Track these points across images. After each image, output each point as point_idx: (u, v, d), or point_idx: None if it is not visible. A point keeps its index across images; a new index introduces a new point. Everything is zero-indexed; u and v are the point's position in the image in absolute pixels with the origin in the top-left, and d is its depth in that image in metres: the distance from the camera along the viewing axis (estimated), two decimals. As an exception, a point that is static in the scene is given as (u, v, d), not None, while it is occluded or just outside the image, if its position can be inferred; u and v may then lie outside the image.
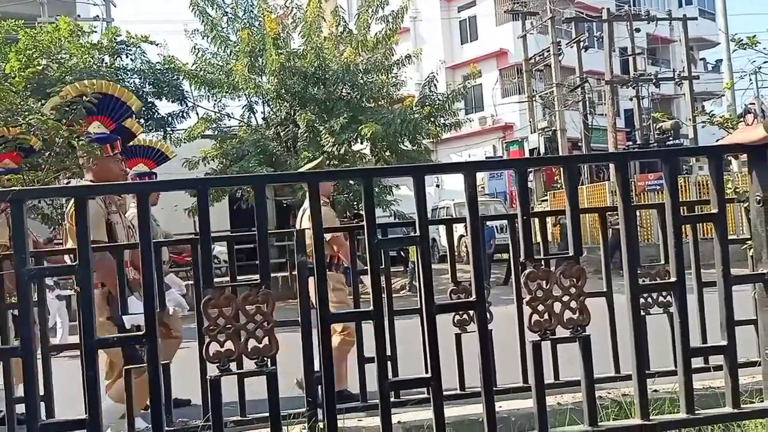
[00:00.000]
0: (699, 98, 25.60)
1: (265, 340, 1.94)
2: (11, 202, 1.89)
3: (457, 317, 3.10)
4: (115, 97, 3.55)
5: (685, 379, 2.14)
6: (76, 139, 3.13)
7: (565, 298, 2.09)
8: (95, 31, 15.50)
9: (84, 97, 3.09)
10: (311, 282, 2.12)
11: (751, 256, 2.88)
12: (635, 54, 22.63)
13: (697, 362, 2.55)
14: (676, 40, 27.74)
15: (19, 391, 4.31)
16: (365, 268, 2.21)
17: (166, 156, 5.09)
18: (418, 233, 2.06)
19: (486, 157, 24.52)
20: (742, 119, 4.34)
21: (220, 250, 9.50)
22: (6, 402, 2.55)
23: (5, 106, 3.37)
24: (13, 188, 1.98)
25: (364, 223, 2.05)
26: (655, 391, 2.78)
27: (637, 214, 4.45)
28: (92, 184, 3.19)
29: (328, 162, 13.40)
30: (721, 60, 25.43)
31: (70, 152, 3.45)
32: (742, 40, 3.60)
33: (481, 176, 19.44)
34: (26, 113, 3.59)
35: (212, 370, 1.97)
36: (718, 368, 2.66)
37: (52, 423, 1.90)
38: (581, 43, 21.29)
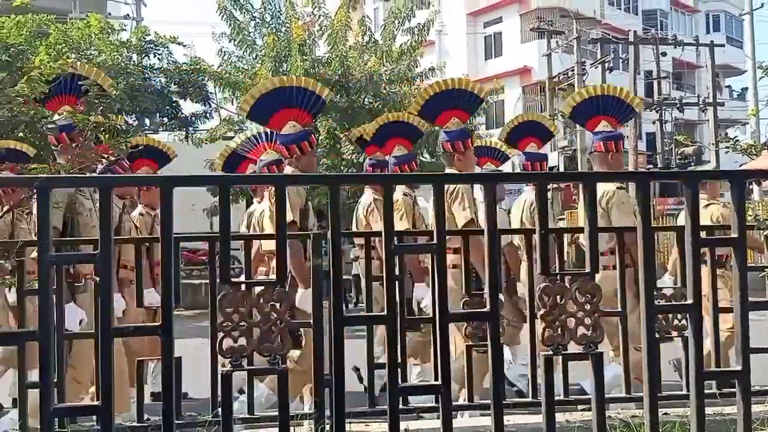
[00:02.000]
0: (723, 125, 25.41)
1: (278, 339, 1.95)
2: (37, 189, 1.92)
3: (469, 329, 3.09)
4: (303, 88, 3.71)
5: (698, 403, 2.12)
6: (103, 132, 3.17)
7: (580, 314, 2.09)
8: (125, 30, 15.74)
9: (114, 92, 3.15)
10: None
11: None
12: (660, 78, 22.52)
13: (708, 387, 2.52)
14: (702, 66, 27.55)
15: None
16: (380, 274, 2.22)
17: (168, 156, 5.15)
18: (435, 242, 2.06)
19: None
20: (766, 147, 4.32)
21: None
22: (19, 387, 2.59)
23: (34, 96, 3.42)
24: (40, 176, 2.02)
25: (382, 229, 2.06)
26: (666, 414, 2.75)
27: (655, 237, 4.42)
28: (116, 176, 3.25)
29: (347, 169, 13.47)
30: (747, 88, 25.27)
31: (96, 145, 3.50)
32: (769, 67, 3.59)
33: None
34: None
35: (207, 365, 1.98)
36: (727, 395, 2.64)
37: (65, 407, 1.93)
38: (606, 65, 21.23)
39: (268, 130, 4.67)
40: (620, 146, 4.09)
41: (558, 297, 2.10)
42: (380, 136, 4.89)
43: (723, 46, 25.80)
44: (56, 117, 3.50)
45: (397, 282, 2.19)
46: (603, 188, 3.91)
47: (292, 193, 3.37)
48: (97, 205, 3.35)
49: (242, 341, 1.94)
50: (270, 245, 3.38)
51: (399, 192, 4.43)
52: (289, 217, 3.28)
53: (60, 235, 3.36)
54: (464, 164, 4.02)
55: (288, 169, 3.77)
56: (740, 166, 3.13)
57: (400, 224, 4.25)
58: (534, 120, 5.25)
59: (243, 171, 5.10)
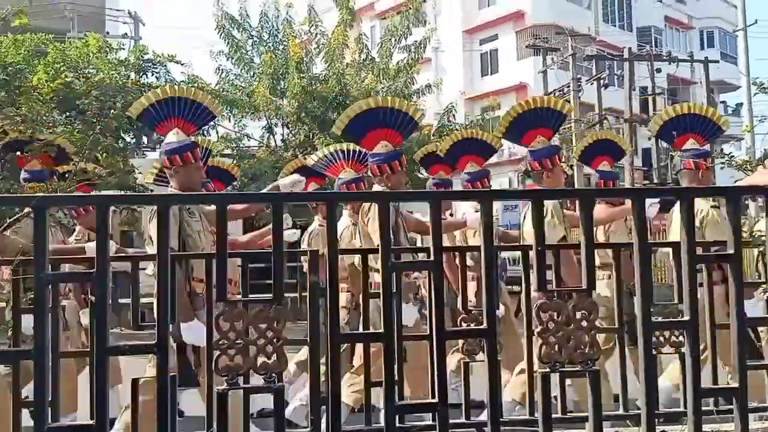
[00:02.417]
0: (718, 141, 25.51)
1: (275, 357, 1.95)
2: (34, 208, 1.92)
3: (466, 345, 3.08)
4: (397, 109, 3.89)
5: (695, 420, 2.11)
6: (101, 152, 3.19)
7: (577, 332, 2.09)
8: (123, 48, 15.81)
9: (111, 110, 3.17)
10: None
11: (766, 299, 2.86)
12: (655, 94, 22.68)
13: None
14: (696, 82, 27.76)
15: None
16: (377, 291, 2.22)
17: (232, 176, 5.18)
18: (432, 258, 2.07)
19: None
20: (761, 163, 4.34)
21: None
22: (13, 406, 2.57)
23: (31, 116, 3.44)
24: (37, 194, 2.02)
25: (380, 246, 2.07)
26: (663, 431, 2.74)
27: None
28: (113, 194, 3.25)
29: (344, 186, 13.47)
30: (742, 104, 25.42)
31: (95, 164, 3.52)
32: (763, 84, 3.61)
33: (495, 208, 19.39)
34: (50, 124, 3.68)
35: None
36: (724, 412, 2.63)
37: (59, 427, 1.92)
38: (601, 81, 21.37)
39: (346, 149, 4.86)
40: (708, 163, 4.16)
41: (555, 314, 2.10)
42: (453, 153, 4.96)
43: (717, 62, 26.03)
44: (168, 139, 3.53)
45: (393, 299, 2.19)
46: (697, 206, 3.91)
47: None
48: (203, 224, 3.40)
49: (238, 359, 1.93)
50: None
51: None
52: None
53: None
54: (553, 181, 4.12)
55: (377, 188, 3.97)
56: (735, 181, 3.15)
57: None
58: (607, 138, 5.25)
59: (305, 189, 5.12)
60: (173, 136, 3.51)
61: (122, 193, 3.93)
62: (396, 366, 2.22)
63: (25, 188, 3.56)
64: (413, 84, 15.25)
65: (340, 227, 4.84)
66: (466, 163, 4.90)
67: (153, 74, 14.33)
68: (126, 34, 20.62)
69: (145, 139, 14.75)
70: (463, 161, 4.93)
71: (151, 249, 3.28)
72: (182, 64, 14.42)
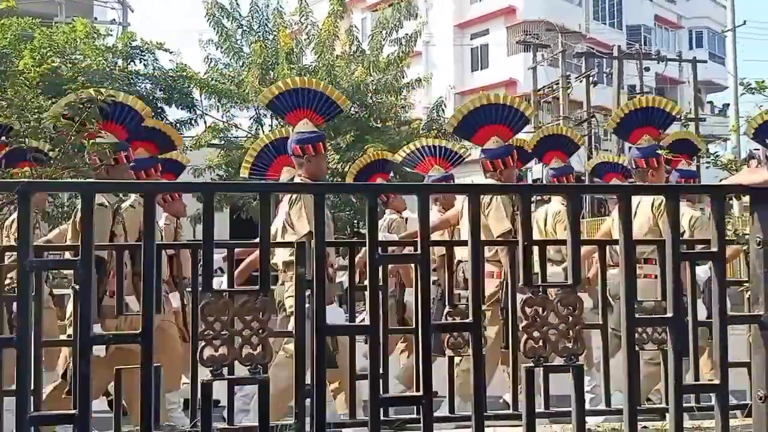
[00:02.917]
0: (704, 140, 25.71)
1: (260, 348, 1.94)
2: (18, 194, 1.90)
3: (452, 339, 3.09)
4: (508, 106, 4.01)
5: (676, 417, 2.13)
6: (87, 139, 3.16)
7: (562, 327, 2.10)
8: (111, 35, 15.65)
9: (99, 98, 3.14)
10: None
11: (748, 298, 2.89)
12: (643, 92, 22.77)
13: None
14: (684, 82, 27.96)
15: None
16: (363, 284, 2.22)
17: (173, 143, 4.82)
18: (419, 251, 2.07)
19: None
20: (746, 163, 4.38)
21: (217, 259, 9.50)
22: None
23: (17, 101, 3.40)
24: (21, 180, 2.00)
25: (366, 239, 2.06)
26: (645, 427, 2.77)
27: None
28: (99, 181, 3.21)
29: (332, 178, 13.46)
30: (729, 104, 25.62)
31: (79, 152, 3.47)
32: (750, 84, 3.64)
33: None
34: (36, 110, 3.63)
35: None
36: (705, 409, 2.66)
37: (41, 415, 1.90)
38: (590, 78, 21.46)
39: (435, 145, 5.02)
40: (509, 162, 4.14)
41: (540, 309, 2.11)
42: (540, 148, 5.03)
43: (705, 62, 26.21)
44: (298, 128, 3.75)
45: (380, 292, 2.19)
46: (691, 212, 4.18)
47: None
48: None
49: (223, 350, 1.93)
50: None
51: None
52: (306, 228, 3.41)
53: None
54: (657, 178, 4.15)
55: (489, 181, 4.07)
56: (720, 181, 3.18)
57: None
58: (559, 134, 5.27)
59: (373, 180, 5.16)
60: (303, 126, 3.70)
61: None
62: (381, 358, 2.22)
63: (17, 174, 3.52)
64: (403, 77, 15.23)
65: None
66: (552, 158, 4.96)
67: (141, 61, 14.19)
68: (114, 20, 20.41)
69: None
70: (548, 156, 5.00)
71: (290, 237, 3.44)
72: (171, 52, 14.31)
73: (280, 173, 4.41)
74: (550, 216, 4.88)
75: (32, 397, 2.05)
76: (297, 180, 3.80)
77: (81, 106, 3.14)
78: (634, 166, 4.21)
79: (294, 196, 3.54)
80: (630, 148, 4.56)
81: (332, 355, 3.02)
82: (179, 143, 4.71)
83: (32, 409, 1.94)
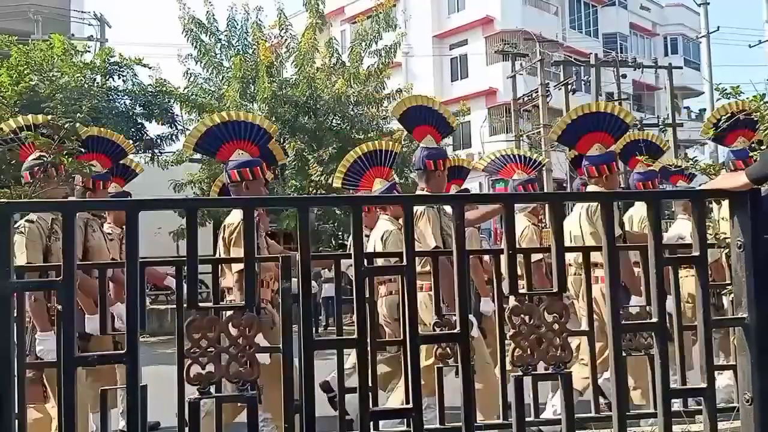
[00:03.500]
0: (682, 145, 26.07)
1: (247, 365, 1.92)
2: (-2, 214, 1.87)
3: (440, 350, 3.09)
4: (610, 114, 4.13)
5: (665, 421, 2.15)
6: (66, 157, 3.12)
7: (549, 335, 2.10)
8: (89, 51, 15.54)
9: (78, 114, 3.11)
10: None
11: (731, 300, 2.92)
12: (621, 99, 23.05)
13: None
14: (661, 88, 28.37)
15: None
16: (350, 297, 2.21)
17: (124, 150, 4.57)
18: (405, 263, 2.06)
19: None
20: (724, 167, 4.43)
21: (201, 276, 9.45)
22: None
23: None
24: (1, 201, 1.97)
25: (352, 251, 2.06)
26: (634, 432, 2.78)
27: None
28: (80, 200, 3.19)
29: (315, 191, 13.44)
30: (705, 109, 26.00)
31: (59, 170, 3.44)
32: (725, 89, 3.69)
33: (466, 212, 19.49)
34: (16, 128, 3.60)
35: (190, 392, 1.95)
36: (693, 413, 2.68)
37: (25, 441, 1.87)
38: (569, 86, 21.68)
39: (516, 154, 5.17)
40: (614, 168, 4.20)
41: (527, 317, 2.11)
42: (626, 152, 5.00)
43: (681, 68, 26.65)
44: (425, 144, 4.00)
45: (366, 304, 2.18)
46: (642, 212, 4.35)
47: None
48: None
49: (210, 367, 1.91)
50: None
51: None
52: (433, 242, 3.61)
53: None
54: (610, 186, 4.17)
55: (592, 188, 4.20)
56: (699, 185, 3.23)
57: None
58: (645, 139, 5.20)
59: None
60: (430, 142, 4.02)
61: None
62: (370, 371, 2.21)
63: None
64: (384, 89, 15.28)
65: (519, 227, 4.93)
66: (637, 163, 4.98)
67: (120, 77, 14.10)
68: (92, 36, 20.28)
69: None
70: (633, 161, 5.02)
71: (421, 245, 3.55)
72: (150, 68, 14.24)
73: (373, 184, 4.71)
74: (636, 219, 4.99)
75: (17, 421, 2.01)
76: (418, 192, 4.03)
77: (59, 125, 3.12)
78: (421, 167, 4.13)
79: (419, 210, 3.71)
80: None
81: None
82: (130, 149, 4.60)
83: (15, 434, 1.90)
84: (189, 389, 2.01)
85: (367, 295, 2.33)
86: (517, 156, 5.20)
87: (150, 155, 14.61)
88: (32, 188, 2.88)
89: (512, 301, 2.28)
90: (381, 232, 4.57)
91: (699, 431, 2.32)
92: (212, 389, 2.05)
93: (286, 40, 15.17)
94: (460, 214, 2.15)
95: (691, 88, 32.46)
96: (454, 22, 29.45)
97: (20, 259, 3.20)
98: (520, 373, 2.11)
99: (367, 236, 4.87)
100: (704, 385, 2.17)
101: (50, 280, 2.23)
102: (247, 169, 3.67)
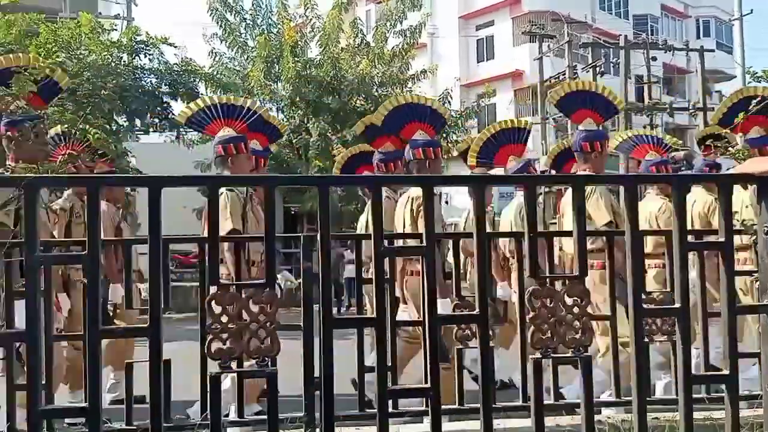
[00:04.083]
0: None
1: (267, 341, 1.95)
2: (25, 188, 1.91)
3: (459, 332, 3.10)
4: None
5: (686, 408, 2.13)
6: (92, 132, 3.16)
7: (569, 318, 2.09)
8: (116, 29, 15.65)
9: (103, 91, 3.14)
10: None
11: (757, 288, 2.88)
12: (651, 82, 22.65)
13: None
14: (692, 71, 27.74)
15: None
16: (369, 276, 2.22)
17: (280, 132, 4.88)
18: (425, 244, 2.06)
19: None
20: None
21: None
22: (7, 389, 2.56)
23: (24, 95, 3.39)
24: (28, 175, 2.00)
25: (372, 231, 2.06)
26: (656, 418, 2.76)
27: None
28: (104, 175, 3.23)
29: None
30: (737, 93, 25.40)
31: (85, 144, 3.48)
32: (757, 73, 3.60)
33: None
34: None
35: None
36: (715, 400, 2.65)
37: (52, 409, 1.91)
38: (597, 69, 21.33)
39: (649, 135, 5.20)
40: (605, 146, 4.25)
41: (547, 300, 2.10)
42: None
43: (713, 51, 25.99)
44: (584, 126, 4.18)
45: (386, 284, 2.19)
46: (706, 197, 4.49)
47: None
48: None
49: (231, 343, 1.93)
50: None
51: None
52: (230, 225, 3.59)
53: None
54: (599, 163, 4.22)
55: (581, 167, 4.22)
56: (727, 169, 3.15)
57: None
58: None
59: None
60: (589, 125, 4.16)
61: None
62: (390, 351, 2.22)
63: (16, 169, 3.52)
64: (408, 69, 15.18)
65: (656, 205, 4.86)
66: (646, 152, 5.00)
67: (146, 56, 14.20)
68: (119, 14, 20.40)
69: (138, 122, 14.63)
70: (747, 125, 5.01)
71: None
72: (175, 47, 14.30)
73: (506, 163, 4.88)
74: (517, 212, 4.81)
75: (43, 391, 2.06)
76: (580, 173, 4.10)
77: (84, 102, 3.14)
78: (578, 148, 4.24)
79: (589, 188, 3.80)
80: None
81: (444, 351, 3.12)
82: (284, 129, 4.96)
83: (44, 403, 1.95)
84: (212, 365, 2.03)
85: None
86: (650, 137, 5.19)
87: (175, 134, 14.72)
88: (59, 164, 2.92)
89: (533, 284, 2.27)
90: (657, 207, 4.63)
91: (721, 418, 2.29)
92: (233, 365, 2.07)
93: (311, 19, 15.12)
94: (481, 195, 2.14)
95: (723, 72, 31.72)
96: (480, 2, 29.05)
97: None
98: (539, 356, 2.10)
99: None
100: (727, 372, 2.14)
101: (76, 254, 2.27)
102: (231, 144, 3.82)
